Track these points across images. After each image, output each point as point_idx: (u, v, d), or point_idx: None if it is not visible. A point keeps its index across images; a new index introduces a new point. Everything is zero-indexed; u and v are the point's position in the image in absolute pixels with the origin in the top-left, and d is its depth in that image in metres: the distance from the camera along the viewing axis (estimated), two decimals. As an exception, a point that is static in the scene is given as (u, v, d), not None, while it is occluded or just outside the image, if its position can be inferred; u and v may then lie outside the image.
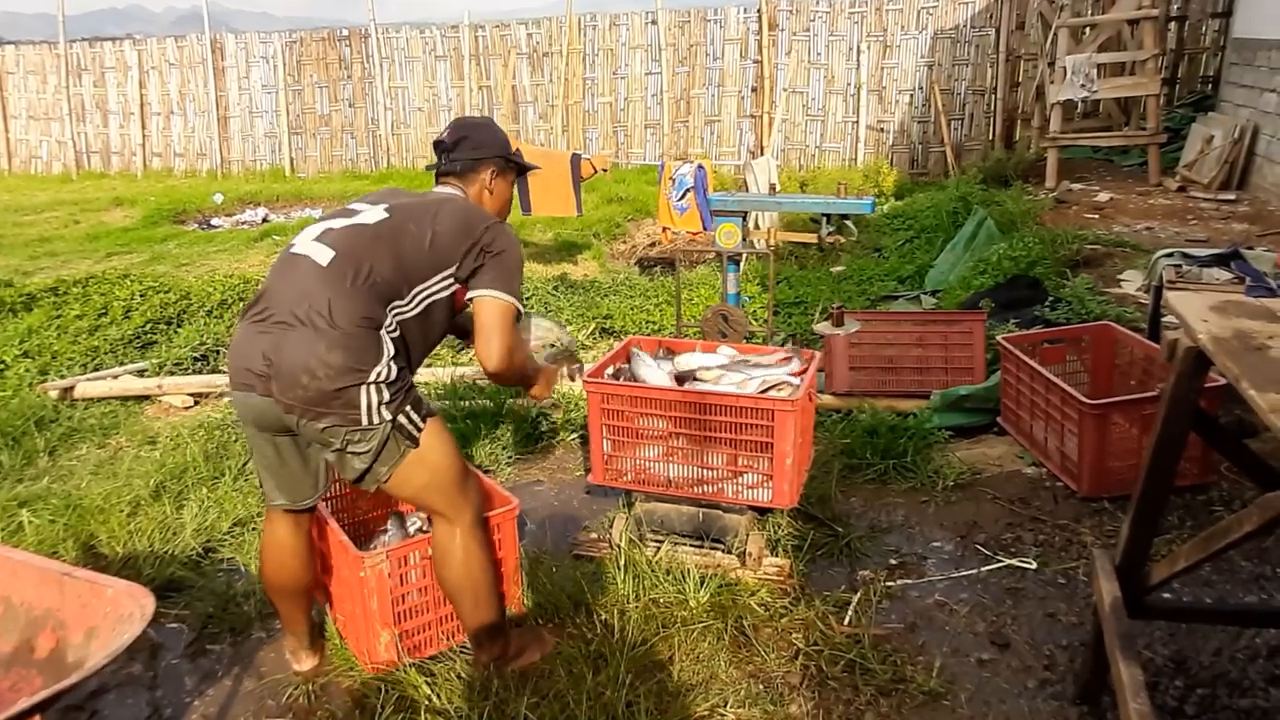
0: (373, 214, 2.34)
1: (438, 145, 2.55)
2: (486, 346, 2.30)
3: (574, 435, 4.14)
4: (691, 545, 3.04)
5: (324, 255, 2.24)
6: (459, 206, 2.42)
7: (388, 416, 2.17)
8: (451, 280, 2.32)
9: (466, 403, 4.32)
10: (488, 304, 2.30)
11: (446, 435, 2.35)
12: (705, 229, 7.08)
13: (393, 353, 2.20)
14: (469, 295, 2.34)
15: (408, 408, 2.22)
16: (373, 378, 2.14)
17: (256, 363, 2.15)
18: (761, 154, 10.61)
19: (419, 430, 2.24)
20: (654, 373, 3.10)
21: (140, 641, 2.66)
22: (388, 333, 2.21)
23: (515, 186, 2.67)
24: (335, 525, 2.63)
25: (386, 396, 2.16)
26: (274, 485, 2.40)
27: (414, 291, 2.27)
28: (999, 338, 4.02)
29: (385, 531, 2.97)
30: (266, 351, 2.15)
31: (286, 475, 2.37)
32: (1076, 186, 8.30)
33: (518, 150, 2.64)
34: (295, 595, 2.53)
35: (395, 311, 2.25)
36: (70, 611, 1.97)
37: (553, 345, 2.74)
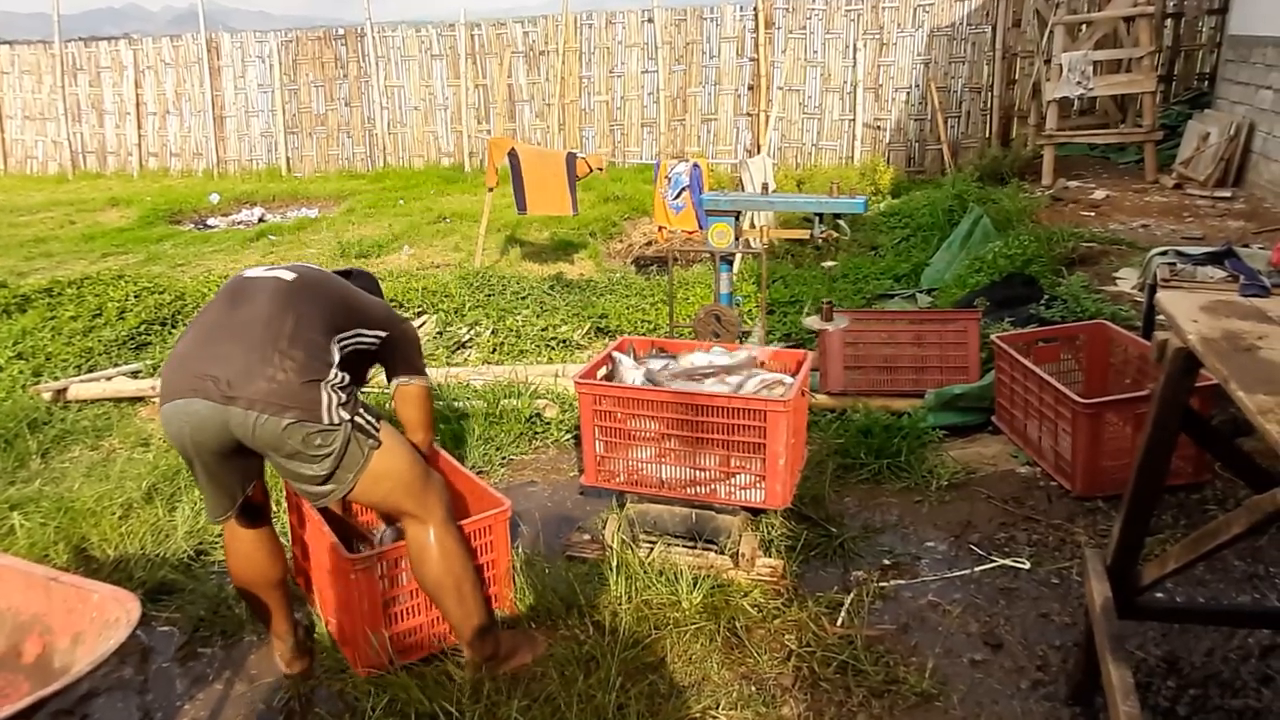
0: (314, 264, 2.60)
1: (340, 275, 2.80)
2: (423, 426, 2.68)
3: (568, 436, 4.14)
4: (684, 546, 3.04)
5: (287, 275, 2.36)
6: (377, 298, 2.69)
7: (345, 416, 2.22)
8: (380, 340, 2.49)
9: (460, 403, 4.31)
10: (421, 392, 2.64)
11: (401, 436, 2.43)
12: (701, 228, 7.09)
13: (341, 365, 2.30)
14: (399, 383, 2.61)
15: (361, 409, 2.29)
16: (330, 378, 2.22)
17: (213, 366, 2.16)
18: (758, 152, 10.60)
19: (376, 430, 2.29)
20: (632, 374, 3.11)
21: (131, 645, 2.66)
22: (337, 351, 2.31)
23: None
24: (326, 528, 2.62)
25: (342, 398, 2.23)
26: (215, 504, 2.41)
27: (355, 329, 2.41)
28: (993, 336, 4.02)
29: (377, 533, 2.96)
30: (227, 353, 2.17)
31: (214, 489, 2.38)
32: (1073, 184, 8.30)
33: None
34: (268, 590, 2.52)
35: (340, 340, 2.35)
36: (57, 616, 1.97)
37: None
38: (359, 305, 2.47)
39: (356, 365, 2.48)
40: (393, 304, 5.47)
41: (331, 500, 2.31)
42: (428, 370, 2.74)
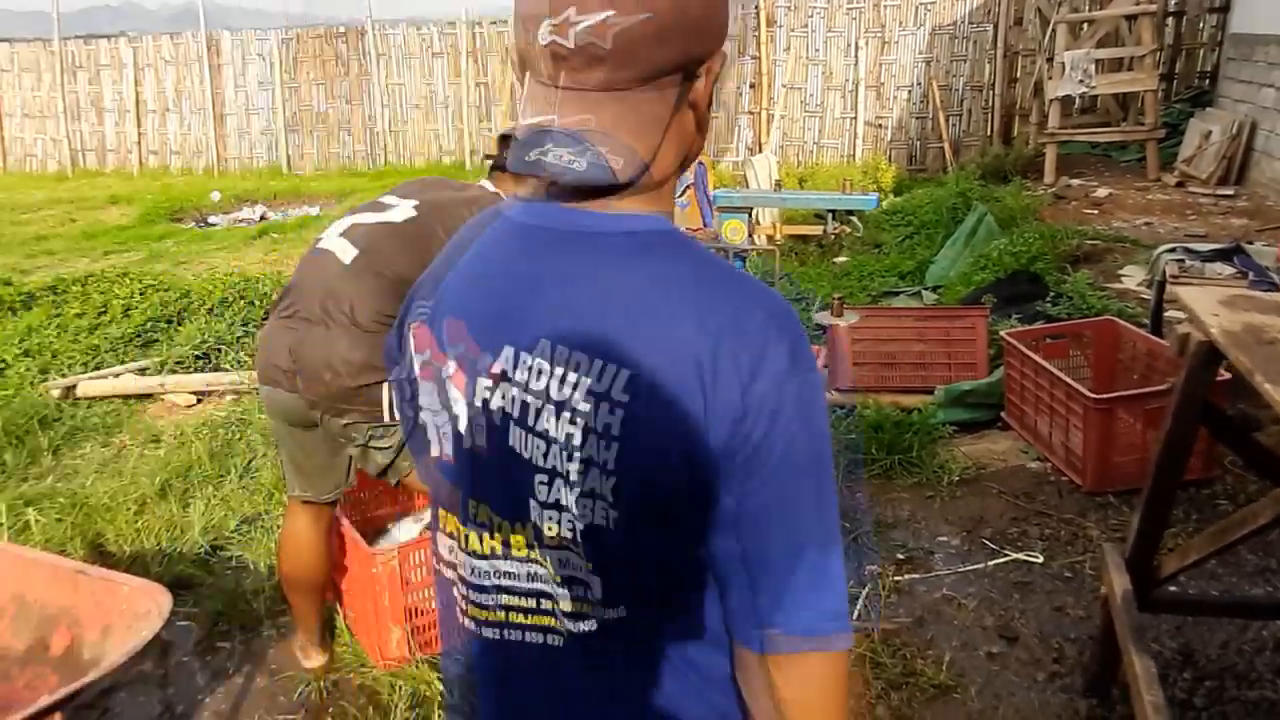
0: (401, 211, 2.32)
1: (507, 138, 2.56)
2: None
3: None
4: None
5: (348, 253, 2.26)
6: (483, 193, 2.46)
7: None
8: None
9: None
10: None
11: None
12: (705, 225, 7.09)
13: None
14: None
15: None
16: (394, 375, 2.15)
17: (282, 358, 2.17)
18: (760, 150, 10.61)
19: None
20: None
21: (150, 639, 2.68)
22: None
23: None
24: (346, 522, 2.63)
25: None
26: (298, 477, 2.42)
27: None
28: (1003, 333, 4.03)
29: (396, 527, 2.98)
30: (292, 347, 2.17)
31: (311, 469, 2.39)
32: (1075, 182, 8.33)
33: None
34: (309, 590, 2.53)
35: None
36: (85, 609, 1.98)
37: None
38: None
39: None
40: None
41: (389, 481, 2.33)
42: None
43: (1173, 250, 4.24)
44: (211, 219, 10.89)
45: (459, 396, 0.97)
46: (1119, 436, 3.36)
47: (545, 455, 0.90)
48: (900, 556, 3.08)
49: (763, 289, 0.92)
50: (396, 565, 2.48)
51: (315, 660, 2.61)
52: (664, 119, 0.88)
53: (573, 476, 0.89)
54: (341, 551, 2.71)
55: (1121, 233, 6.39)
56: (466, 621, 1.02)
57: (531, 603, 0.96)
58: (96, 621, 1.95)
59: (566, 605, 0.94)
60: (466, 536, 0.99)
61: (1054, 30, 8.74)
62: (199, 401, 4.78)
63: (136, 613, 1.88)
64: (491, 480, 0.96)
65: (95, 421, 4.47)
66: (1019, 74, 10.57)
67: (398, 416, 2.14)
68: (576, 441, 0.88)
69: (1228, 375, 2.83)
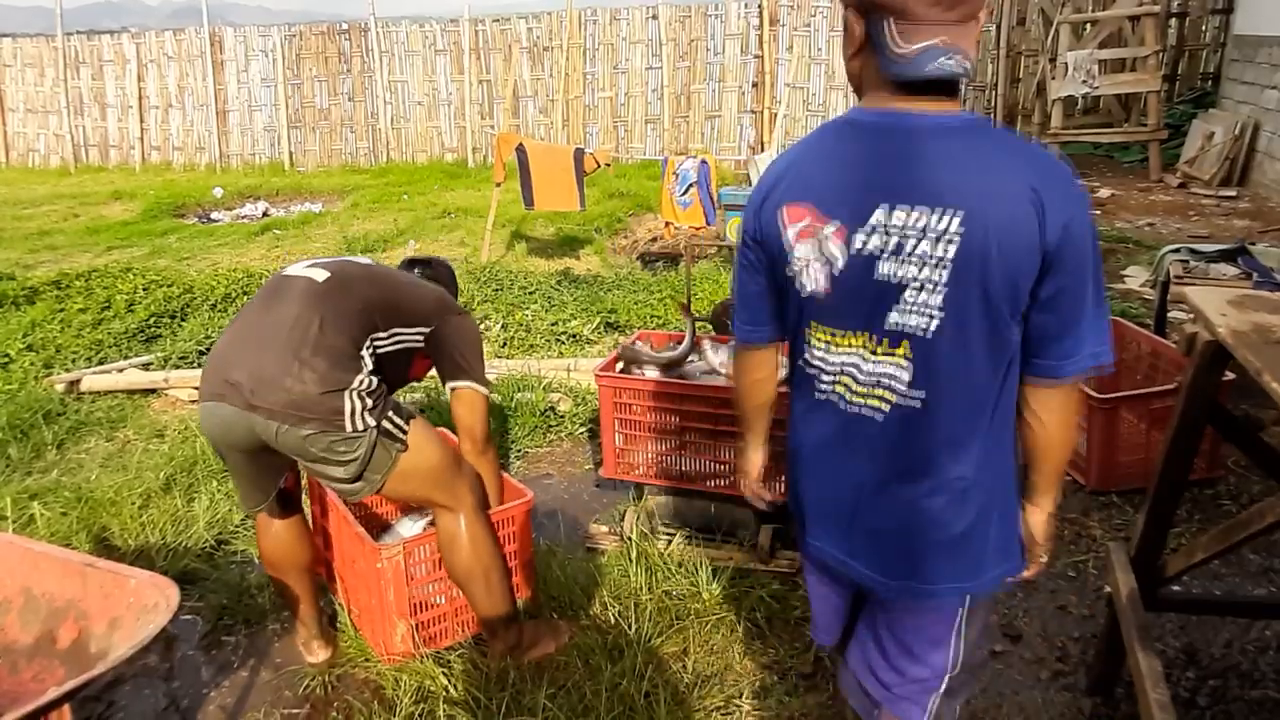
0: (361, 259, 2.53)
1: (413, 262, 2.75)
2: (471, 434, 2.55)
3: (582, 429, 4.15)
4: (703, 538, 3.06)
5: (320, 275, 2.34)
6: (435, 286, 2.61)
7: (371, 423, 2.20)
8: (424, 337, 2.44)
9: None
10: (471, 397, 2.51)
11: (431, 430, 2.40)
12: (708, 224, 7.09)
13: (371, 368, 2.26)
14: (450, 386, 2.50)
15: (390, 413, 2.26)
16: (355, 385, 2.19)
17: (237, 372, 2.17)
18: (763, 149, 10.61)
19: (404, 433, 2.28)
20: (650, 367, 3.14)
21: (158, 633, 2.68)
22: (368, 354, 2.28)
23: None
24: (351, 518, 2.63)
25: (369, 404, 2.20)
26: (243, 496, 2.49)
27: (393, 330, 2.37)
28: (1006, 332, 4.03)
29: (400, 523, 2.98)
30: (251, 359, 2.18)
31: (246, 484, 2.45)
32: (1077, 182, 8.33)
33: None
34: (297, 574, 2.56)
35: (375, 342, 2.32)
36: (93, 602, 1.98)
37: None
38: (398, 302, 2.40)
39: (402, 363, 2.44)
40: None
41: (361, 497, 2.33)
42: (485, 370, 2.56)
43: (1177, 250, 4.25)
44: (214, 215, 10.89)
45: (837, 246, 1.43)
46: (1123, 436, 3.36)
47: (909, 278, 1.39)
48: (904, 555, 3.08)
49: (1046, 150, 1.45)
50: (401, 560, 2.49)
51: (319, 655, 2.62)
52: (976, 44, 1.39)
53: (922, 293, 1.38)
54: (347, 547, 2.71)
55: (1124, 233, 6.40)
56: (828, 398, 1.54)
57: (870, 386, 1.48)
58: (104, 614, 1.95)
59: (893, 386, 1.45)
60: (832, 343, 1.50)
61: (1057, 30, 8.75)
62: (202, 397, 4.78)
63: (144, 606, 1.88)
64: (857, 302, 1.44)
65: (99, 416, 4.47)
66: (1021, 74, 10.57)
67: (359, 426, 2.15)
68: (934, 264, 1.36)
69: (1232, 376, 2.83)
